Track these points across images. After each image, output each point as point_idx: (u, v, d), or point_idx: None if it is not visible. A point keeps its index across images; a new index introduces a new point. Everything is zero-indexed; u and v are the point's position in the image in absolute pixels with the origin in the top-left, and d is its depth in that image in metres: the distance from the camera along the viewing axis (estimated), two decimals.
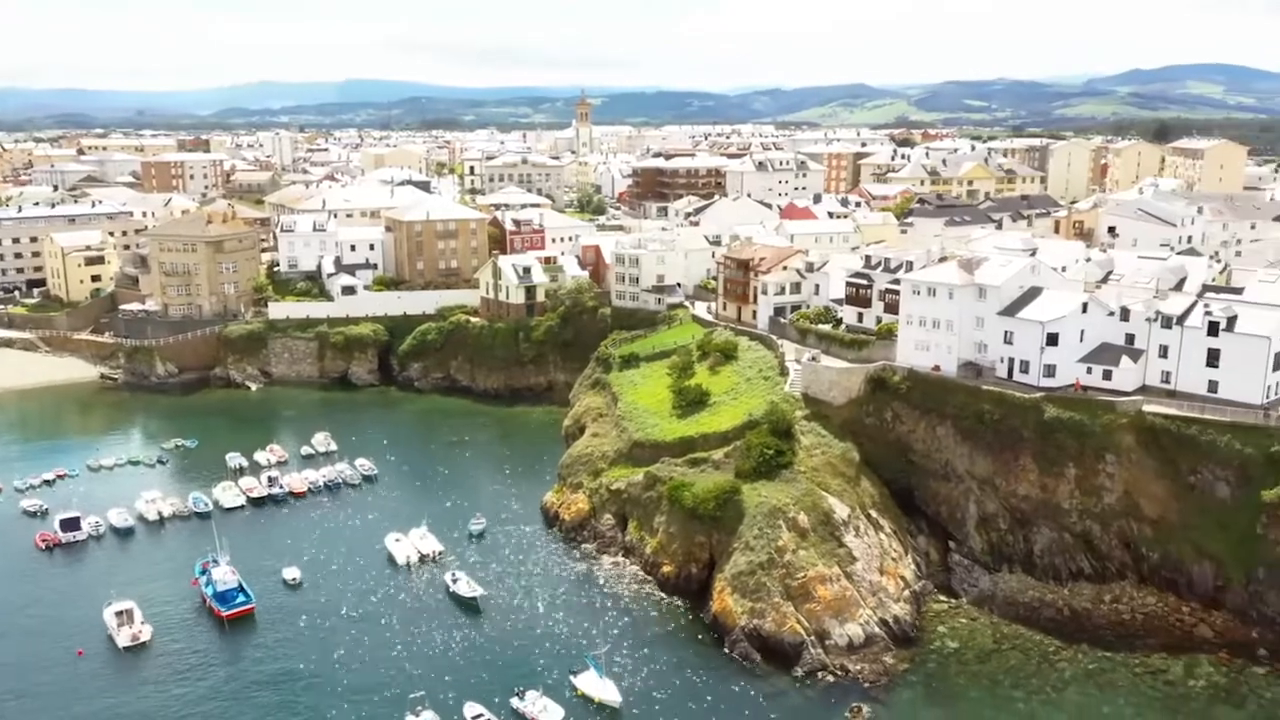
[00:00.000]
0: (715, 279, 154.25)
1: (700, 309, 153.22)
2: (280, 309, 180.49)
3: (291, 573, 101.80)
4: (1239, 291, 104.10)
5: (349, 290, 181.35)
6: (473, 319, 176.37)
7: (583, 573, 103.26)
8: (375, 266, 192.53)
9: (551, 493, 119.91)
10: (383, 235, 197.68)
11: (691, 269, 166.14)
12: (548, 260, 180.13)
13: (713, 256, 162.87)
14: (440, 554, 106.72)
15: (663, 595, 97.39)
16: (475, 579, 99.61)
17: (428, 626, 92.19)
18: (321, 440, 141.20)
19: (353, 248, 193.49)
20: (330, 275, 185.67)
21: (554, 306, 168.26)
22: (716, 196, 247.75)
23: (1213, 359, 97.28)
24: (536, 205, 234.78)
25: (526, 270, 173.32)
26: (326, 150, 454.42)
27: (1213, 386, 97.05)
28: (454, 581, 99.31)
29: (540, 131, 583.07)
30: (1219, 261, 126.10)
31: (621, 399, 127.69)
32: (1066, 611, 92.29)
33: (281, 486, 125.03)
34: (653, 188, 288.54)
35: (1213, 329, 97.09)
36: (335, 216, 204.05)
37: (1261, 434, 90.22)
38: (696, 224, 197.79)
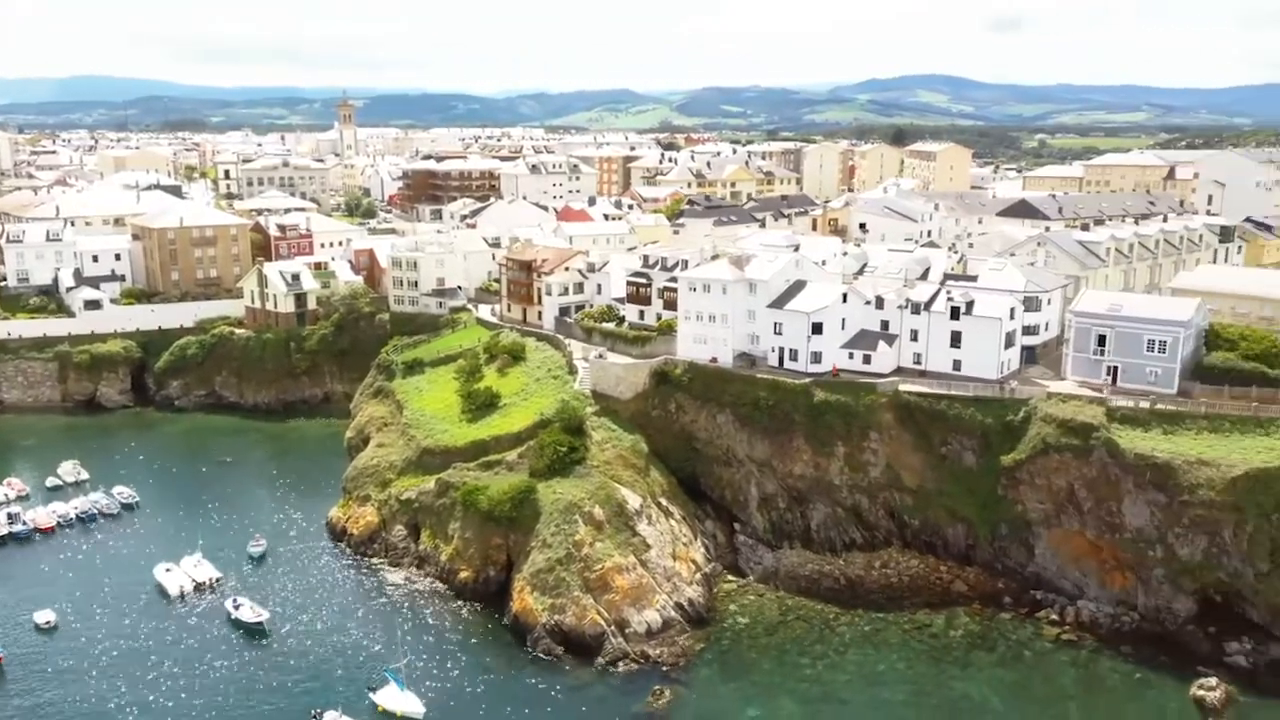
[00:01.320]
0: (498, 281, 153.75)
1: (484, 311, 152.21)
2: (9, 327, 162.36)
3: (44, 616, 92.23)
4: (974, 279, 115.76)
5: (93, 304, 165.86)
6: (238, 330, 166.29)
7: (376, 586, 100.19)
8: (123, 278, 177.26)
9: (337, 507, 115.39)
10: (130, 244, 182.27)
11: (472, 271, 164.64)
12: (318, 266, 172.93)
13: (493, 259, 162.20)
14: (218, 581, 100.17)
15: (461, 602, 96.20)
16: (259, 603, 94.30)
17: (210, 658, 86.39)
18: (70, 469, 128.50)
19: (95, 258, 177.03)
20: (70, 289, 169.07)
21: (328, 314, 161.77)
22: (492, 199, 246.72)
23: (955, 340, 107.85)
24: (302, 209, 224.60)
25: (295, 277, 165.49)
26: (55, 153, 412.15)
27: (957, 365, 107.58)
28: (235, 608, 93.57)
29: (300, 134, 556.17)
30: (956, 252, 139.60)
31: (407, 406, 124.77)
32: (843, 580, 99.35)
33: (25, 523, 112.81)
34: (425, 190, 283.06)
35: (954, 313, 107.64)
36: (72, 224, 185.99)
37: (999, 405, 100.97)
38: (474, 226, 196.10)
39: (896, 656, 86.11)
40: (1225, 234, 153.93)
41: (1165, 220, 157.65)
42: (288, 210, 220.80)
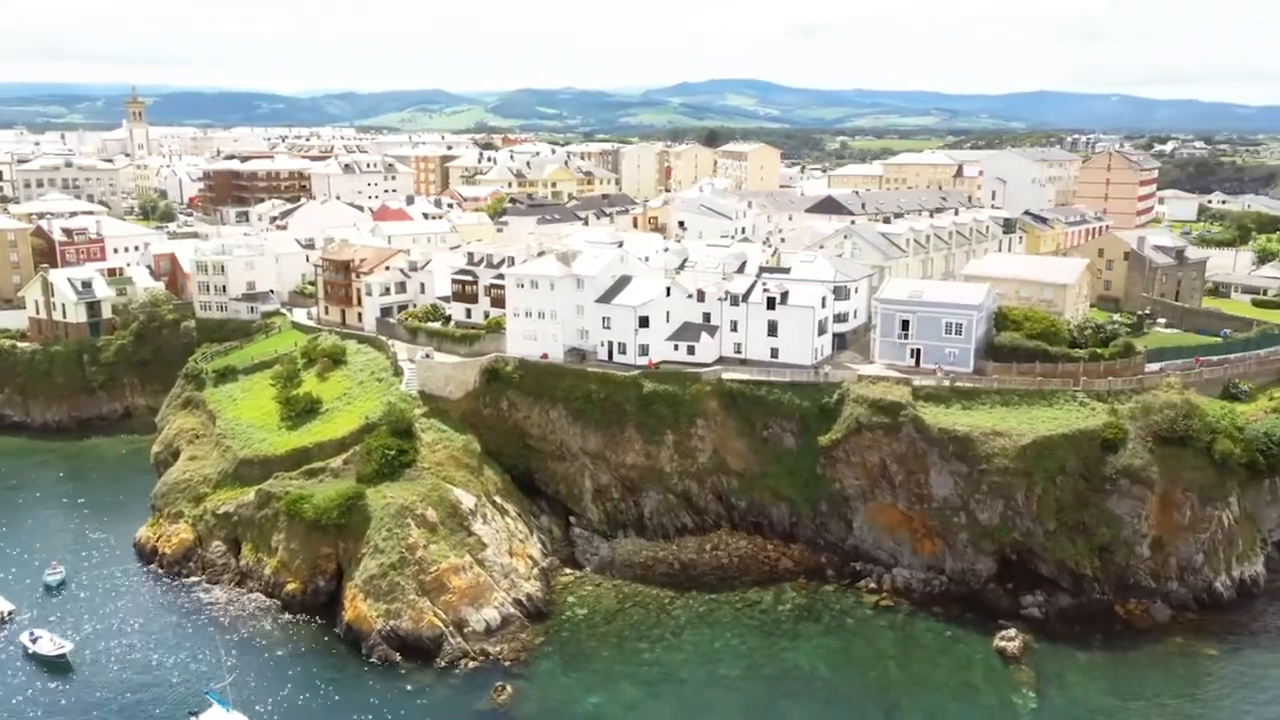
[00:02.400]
0: (313, 283, 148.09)
1: (300, 315, 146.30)
2: None
3: None
4: (787, 271, 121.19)
5: None
6: (20, 344, 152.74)
7: (193, 606, 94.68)
8: None
9: (145, 527, 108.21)
10: None
11: (285, 274, 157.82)
12: (112, 272, 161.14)
13: (308, 260, 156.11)
14: (11, 614, 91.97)
15: (289, 615, 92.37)
16: (59, 634, 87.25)
17: (6, 698, 79.19)
18: None
19: None
20: None
21: (126, 323, 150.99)
22: (303, 199, 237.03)
23: (773, 329, 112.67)
24: (90, 213, 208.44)
25: (87, 284, 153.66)
26: None
27: (775, 353, 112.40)
28: (33, 641, 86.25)
29: (83, 133, 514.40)
30: (770, 247, 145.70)
31: (220, 416, 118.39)
32: (677, 565, 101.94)
33: None
34: (230, 192, 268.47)
35: (771, 304, 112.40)
36: None
37: (814, 389, 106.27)
38: (284, 228, 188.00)
39: (730, 634, 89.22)
40: (1008, 225, 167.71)
41: (956, 214, 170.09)
42: (73, 214, 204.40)
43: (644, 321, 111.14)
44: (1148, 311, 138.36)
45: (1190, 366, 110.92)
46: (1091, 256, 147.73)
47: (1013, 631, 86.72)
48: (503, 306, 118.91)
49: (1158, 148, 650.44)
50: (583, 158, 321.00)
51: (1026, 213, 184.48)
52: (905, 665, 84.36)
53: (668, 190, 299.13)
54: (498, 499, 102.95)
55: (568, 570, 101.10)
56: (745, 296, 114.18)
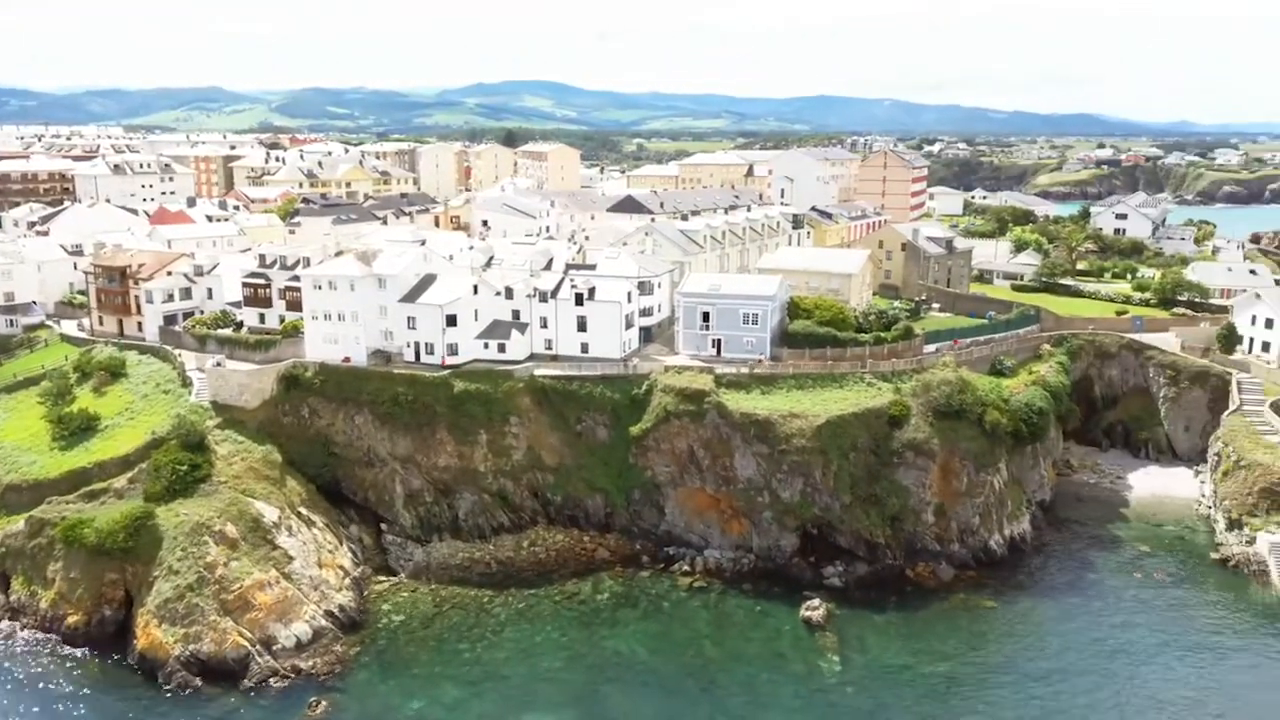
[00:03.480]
0: (84, 293, 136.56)
1: (70, 327, 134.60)
2: None
3: None
4: (593, 268, 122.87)
5: None
6: None
7: None
8: None
9: None
10: None
11: (49, 283, 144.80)
12: None
13: (75, 268, 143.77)
14: None
15: (72, 649, 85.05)
16: None
17: None
18: None
19: None
20: None
21: None
22: (67, 202, 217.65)
23: (582, 325, 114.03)
24: None
25: None
26: None
27: (585, 347, 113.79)
28: None
29: None
30: (575, 244, 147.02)
31: None
32: (494, 564, 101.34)
33: None
34: None
35: (579, 299, 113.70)
36: None
37: (624, 382, 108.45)
38: (46, 233, 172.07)
39: (551, 627, 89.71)
40: (797, 221, 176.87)
41: (749, 211, 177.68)
42: None
43: (451, 320, 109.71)
44: (924, 298, 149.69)
45: (952, 347, 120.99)
46: (873, 248, 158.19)
47: (816, 601, 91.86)
48: (299, 310, 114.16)
49: (926, 148, 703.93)
50: (378, 157, 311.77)
51: (813, 209, 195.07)
52: (720, 642, 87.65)
53: (468, 190, 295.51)
54: (303, 510, 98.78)
55: (382, 578, 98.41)
56: (554, 293, 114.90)
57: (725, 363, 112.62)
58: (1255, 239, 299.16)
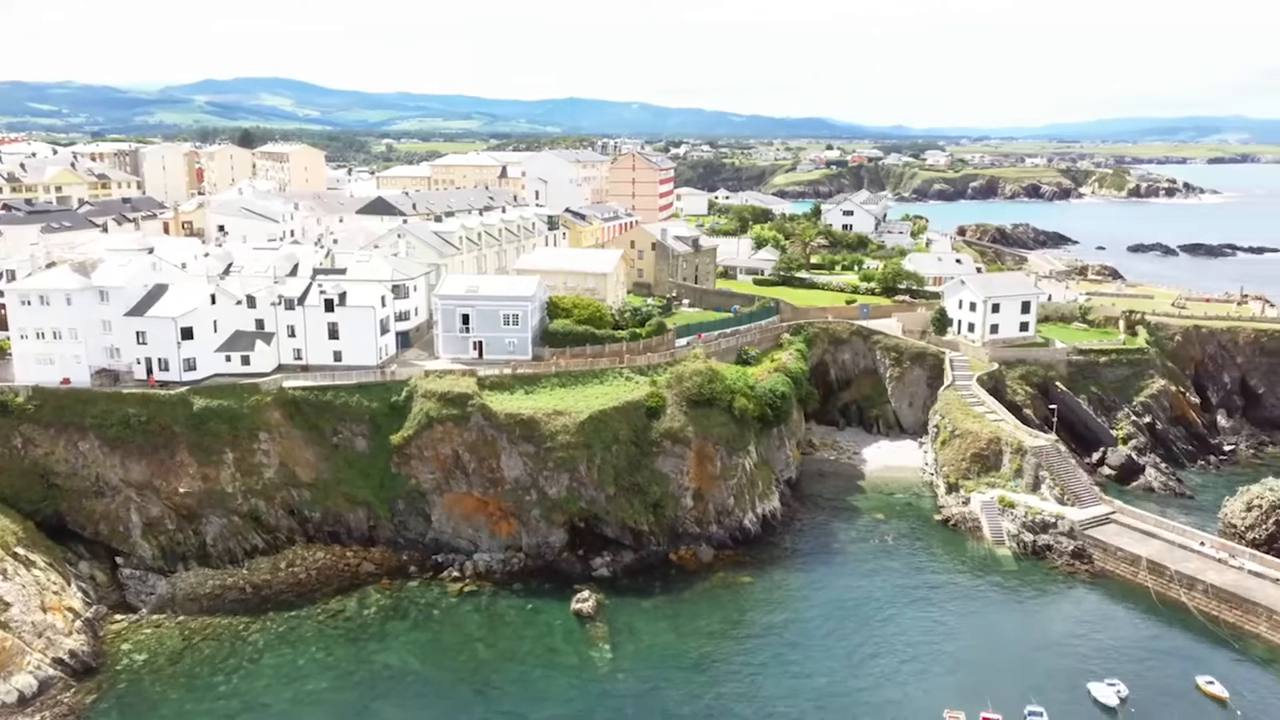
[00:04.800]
0: None
1: None
2: None
3: None
4: (344, 272, 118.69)
5: None
6: None
7: None
8: None
9: None
10: None
11: None
12: None
13: None
14: None
15: None
16: None
17: None
18: None
19: None
20: None
21: None
22: None
23: (334, 332, 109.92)
24: None
25: None
26: None
27: (338, 356, 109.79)
28: None
29: None
30: (322, 248, 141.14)
31: None
32: (249, 589, 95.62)
33: None
34: None
35: (329, 305, 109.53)
36: None
37: (382, 389, 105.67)
38: None
39: (315, 648, 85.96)
40: (552, 222, 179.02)
41: (504, 211, 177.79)
42: None
43: (187, 333, 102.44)
44: (675, 294, 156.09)
45: (697, 340, 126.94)
46: (625, 248, 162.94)
47: (586, 593, 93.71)
48: (4, 328, 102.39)
49: (673, 150, 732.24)
50: (94, 159, 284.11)
51: (567, 210, 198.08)
52: (493, 644, 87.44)
53: (201, 193, 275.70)
54: (20, 550, 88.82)
55: (120, 616, 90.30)
56: (301, 300, 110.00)
57: (487, 364, 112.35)
58: (961, 231, 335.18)
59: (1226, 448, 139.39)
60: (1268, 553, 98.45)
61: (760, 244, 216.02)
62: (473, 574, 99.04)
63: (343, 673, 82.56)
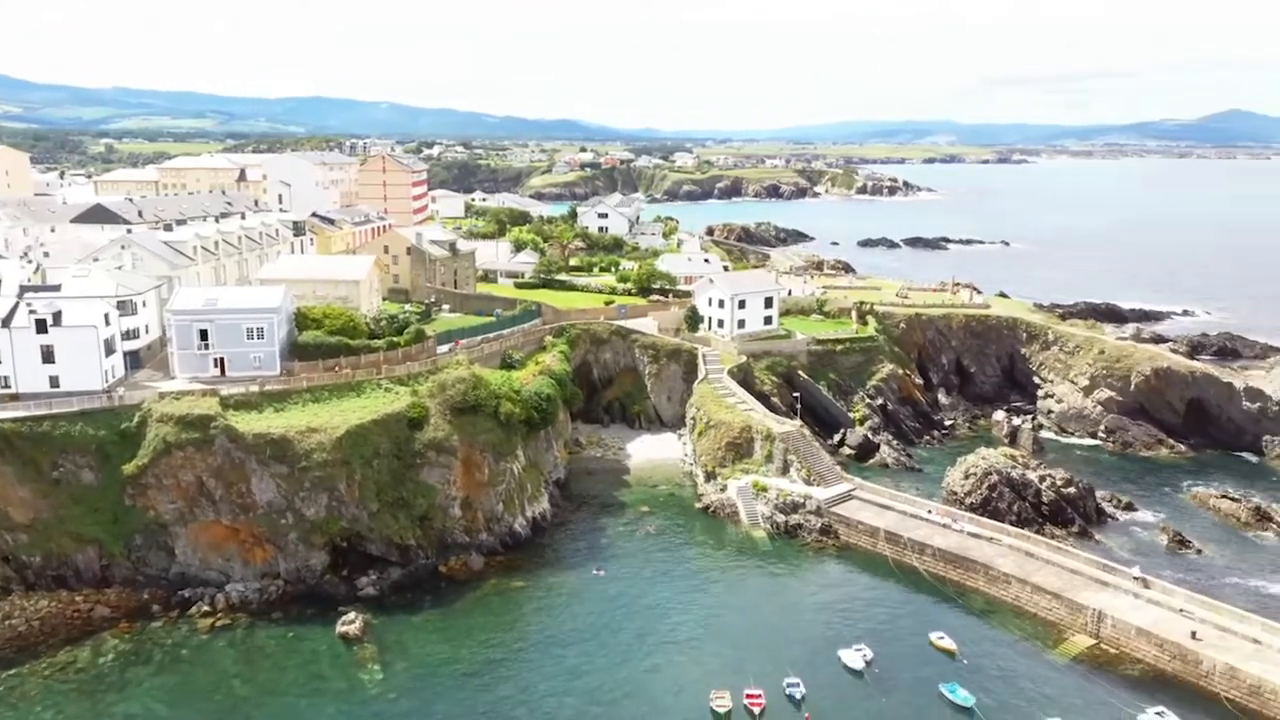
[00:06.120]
0: None
1: None
2: None
3: None
4: (58, 288, 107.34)
5: None
6: None
7: None
8: None
9: None
10: None
11: None
12: None
13: None
14: None
15: None
16: None
17: None
18: None
19: None
20: None
21: None
22: None
23: (48, 355, 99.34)
24: None
25: None
26: None
27: (55, 381, 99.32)
28: None
29: None
30: (30, 262, 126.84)
31: None
32: None
33: None
34: None
35: (41, 326, 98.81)
36: None
37: (110, 415, 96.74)
38: None
39: (41, 707, 77.35)
40: (298, 228, 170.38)
41: (244, 218, 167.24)
42: None
43: None
44: (434, 300, 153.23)
45: (454, 348, 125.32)
46: (378, 253, 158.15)
47: (352, 615, 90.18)
48: None
49: (426, 152, 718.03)
50: None
51: (314, 214, 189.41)
52: (251, 679, 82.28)
53: None
54: None
55: None
56: (7, 321, 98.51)
57: (231, 382, 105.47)
58: (710, 231, 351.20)
59: (947, 423, 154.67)
60: (982, 515, 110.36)
61: (520, 247, 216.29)
62: (225, 607, 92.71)
63: None
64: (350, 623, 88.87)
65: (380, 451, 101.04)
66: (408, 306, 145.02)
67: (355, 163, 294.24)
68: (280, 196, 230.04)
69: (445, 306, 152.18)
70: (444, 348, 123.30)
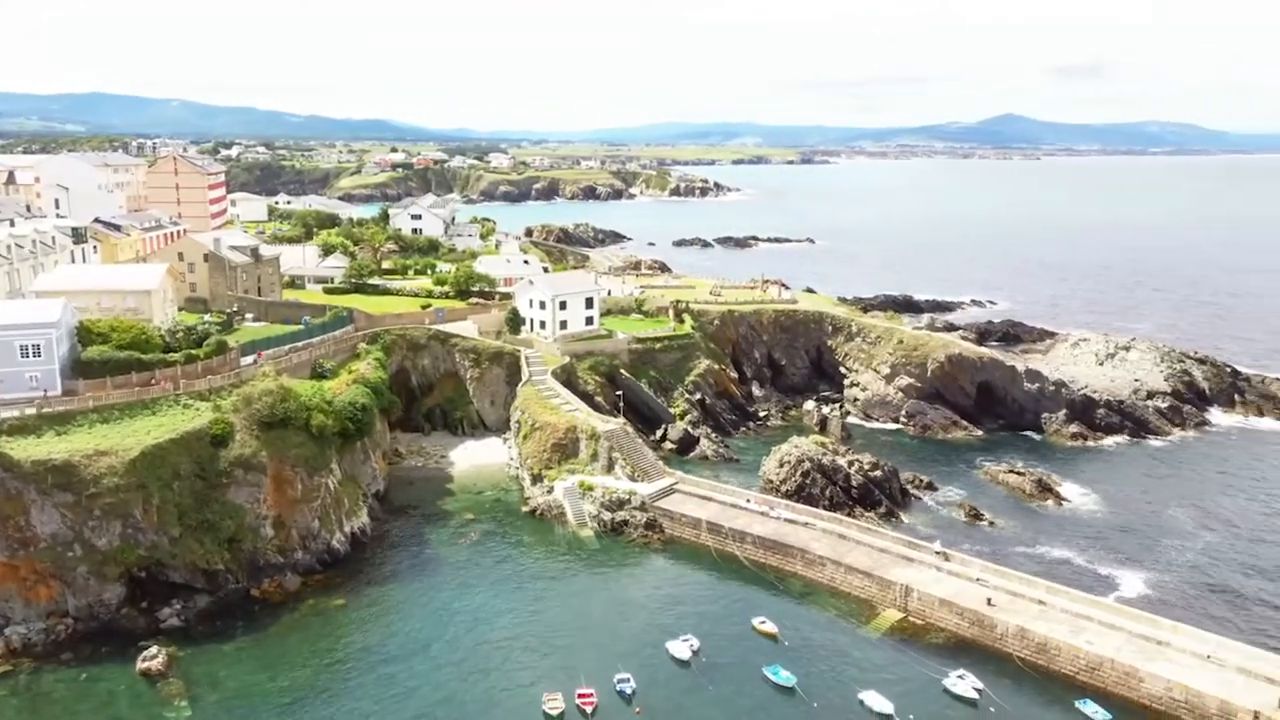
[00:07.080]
0: None
1: None
2: None
3: None
4: None
5: None
6: None
7: None
8: None
9: None
10: None
11: None
12: None
13: None
14: None
15: None
16: None
17: None
18: None
19: None
20: None
21: None
22: None
23: None
24: None
25: None
26: None
27: None
28: None
29: None
30: None
31: None
32: None
33: None
34: None
35: None
36: None
37: None
38: None
39: None
40: (78, 235, 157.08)
41: (14, 225, 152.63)
42: None
43: None
44: (236, 308, 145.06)
45: (257, 360, 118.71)
46: (172, 260, 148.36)
47: (154, 649, 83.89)
48: None
49: (224, 153, 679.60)
50: None
51: (97, 220, 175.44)
52: None
53: None
54: None
55: None
56: None
57: (4, 405, 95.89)
58: (529, 232, 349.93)
59: (762, 414, 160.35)
60: (797, 501, 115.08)
61: (328, 251, 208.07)
62: (5, 652, 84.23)
63: None
64: (152, 657, 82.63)
65: (180, 472, 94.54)
66: (207, 317, 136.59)
67: (143, 164, 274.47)
68: (57, 201, 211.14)
69: (249, 315, 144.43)
70: (248, 359, 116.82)
